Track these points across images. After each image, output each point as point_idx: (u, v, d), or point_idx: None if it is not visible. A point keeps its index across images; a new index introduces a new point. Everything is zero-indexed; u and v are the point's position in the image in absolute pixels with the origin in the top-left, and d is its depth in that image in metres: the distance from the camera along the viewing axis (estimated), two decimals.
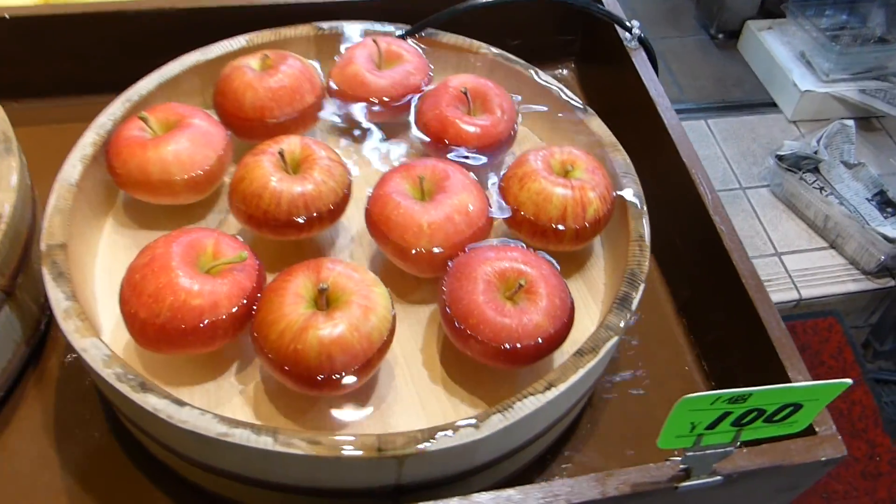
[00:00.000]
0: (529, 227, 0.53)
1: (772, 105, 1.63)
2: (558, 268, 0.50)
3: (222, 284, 0.46)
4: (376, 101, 0.60)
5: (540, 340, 0.46)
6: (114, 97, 0.60)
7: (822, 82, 1.56)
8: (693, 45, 1.70)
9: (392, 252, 0.51)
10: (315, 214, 0.51)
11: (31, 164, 0.58)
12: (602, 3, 0.70)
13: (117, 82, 0.64)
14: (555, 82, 0.63)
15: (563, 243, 0.53)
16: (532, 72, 0.63)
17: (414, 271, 0.53)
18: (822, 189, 1.43)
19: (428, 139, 0.58)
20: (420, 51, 0.64)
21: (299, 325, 0.44)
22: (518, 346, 0.46)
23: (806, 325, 1.35)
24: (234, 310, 0.45)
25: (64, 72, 0.69)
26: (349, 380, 0.44)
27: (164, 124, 0.55)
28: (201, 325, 0.45)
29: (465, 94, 0.58)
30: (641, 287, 0.50)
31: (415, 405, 0.49)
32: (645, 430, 0.54)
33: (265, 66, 0.59)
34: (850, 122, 1.48)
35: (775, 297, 1.35)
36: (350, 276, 0.46)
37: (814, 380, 0.42)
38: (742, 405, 0.40)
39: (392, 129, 0.64)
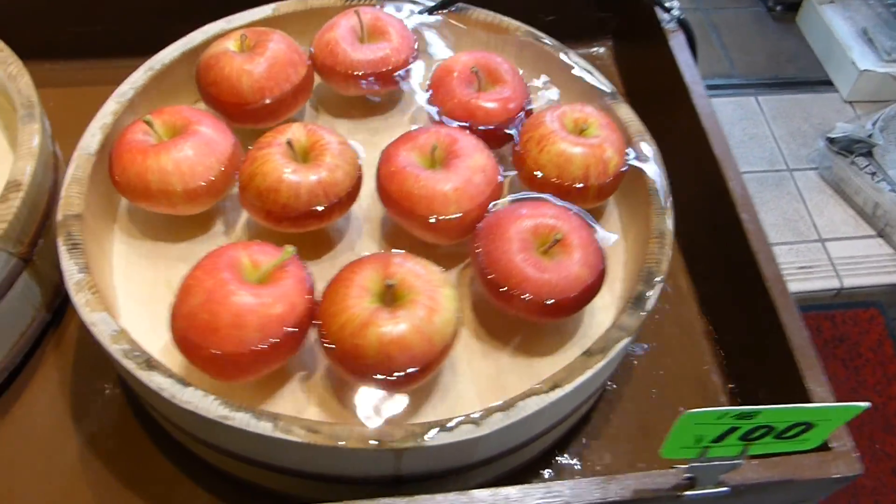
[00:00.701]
0: (553, 189, 0.53)
1: (827, 83, 1.56)
2: (586, 215, 0.51)
3: (284, 286, 0.44)
4: (349, 75, 0.58)
5: (581, 290, 0.47)
6: (142, 61, 0.60)
7: (882, 62, 1.49)
8: (748, 16, 1.64)
9: (419, 225, 0.51)
10: (335, 200, 0.50)
11: (58, 126, 0.59)
12: None
13: (146, 45, 0.63)
14: (584, 64, 0.61)
15: (588, 201, 0.54)
16: (562, 54, 0.61)
17: (441, 240, 0.53)
18: (873, 174, 1.38)
19: (457, 124, 0.57)
20: (407, 27, 0.61)
21: (361, 319, 0.43)
22: (561, 298, 0.47)
23: (846, 315, 1.31)
24: (302, 308, 0.45)
25: (93, 34, 0.69)
26: (406, 380, 0.44)
27: (170, 129, 0.52)
28: (287, 329, 0.44)
29: (477, 73, 0.57)
30: (658, 287, 0.49)
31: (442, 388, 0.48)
32: (658, 429, 0.53)
33: (247, 46, 0.56)
34: None
35: (815, 284, 1.31)
36: (418, 273, 0.45)
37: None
38: (750, 421, 0.39)
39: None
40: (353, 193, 0.51)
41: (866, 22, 1.54)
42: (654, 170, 0.54)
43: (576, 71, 0.60)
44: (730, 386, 0.56)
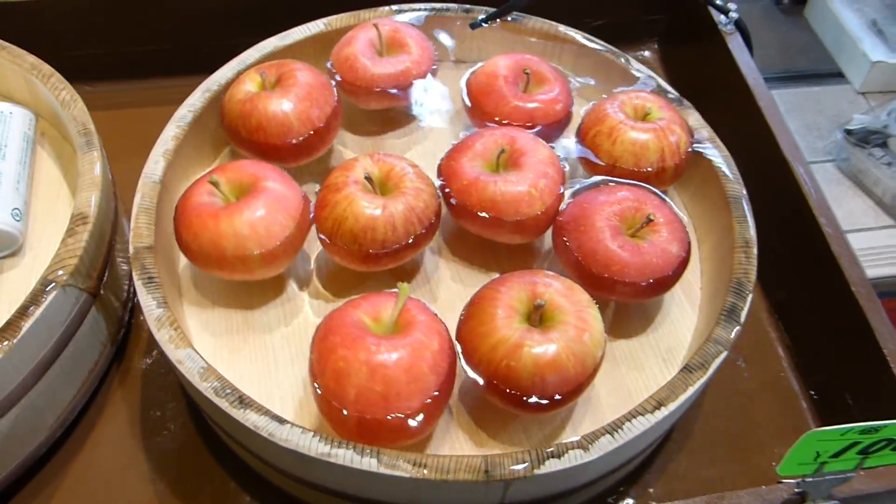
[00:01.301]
0: (631, 178, 0.53)
1: (839, 76, 1.56)
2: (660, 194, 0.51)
3: (422, 325, 0.42)
4: (367, 89, 0.57)
5: (676, 266, 0.48)
6: (187, 79, 0.58)
7: (894, 52, 1.49)
8: (757, 10, 1.63)
9: (508, 230, 0.51)
10: (428, 224, 0.49)
11: (106, 148, 0.57)
12: None
13: (191, 64, 0.62)
14: (647, 70, 0.60)
15: (665, 183, 0.55)
16: (623, 60, 0.60)
17: (529, 238, 0.53)
18: (890, 164, 1.38)
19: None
20: (427, 39, 0.60)
21: (513, 341, 0.42)
22: (659, 277, 0.48)
23: None
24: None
25: (137, 54, 0.67)
26: (559, 403, 0.43)
27: (236, 187, 0.48)
28: (449, 361, 0.43)
29: (527, 73, 0.56)
30: (749, 297, 0.48)
31: (508, 419, 0.47)
32: (739, 439, 0.52)
33: (269, 84, 0.54)
34: None
35: None
36: (566, 293, 0.44)
37: None
38: (873, 436, 0.38)
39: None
40: (439, 213, 0.50)
41: (875, 13, 1.54)
42: (731, 176, 0.53)
43: (639, 76, 0.59)
44: (810, 392, 0.55)
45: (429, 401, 0.41)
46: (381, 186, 0.49)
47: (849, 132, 1.39)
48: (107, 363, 0.53)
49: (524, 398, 0.42)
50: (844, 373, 0.52)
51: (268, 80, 0.54)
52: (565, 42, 0.62)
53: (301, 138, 0.53)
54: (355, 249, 0.48)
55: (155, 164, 0.51)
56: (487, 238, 0.52)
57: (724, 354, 0.45)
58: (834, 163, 1.44)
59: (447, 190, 0.51)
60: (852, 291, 0.50)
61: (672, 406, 0.43)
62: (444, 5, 0.63)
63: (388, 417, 0.40)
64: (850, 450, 0.39)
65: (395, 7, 0.62)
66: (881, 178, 1.36)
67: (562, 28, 0.62)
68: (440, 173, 0.52)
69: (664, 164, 0.53)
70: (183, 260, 0.53)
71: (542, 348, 0.41)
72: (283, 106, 0.52)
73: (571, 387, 0.42)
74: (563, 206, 0.51)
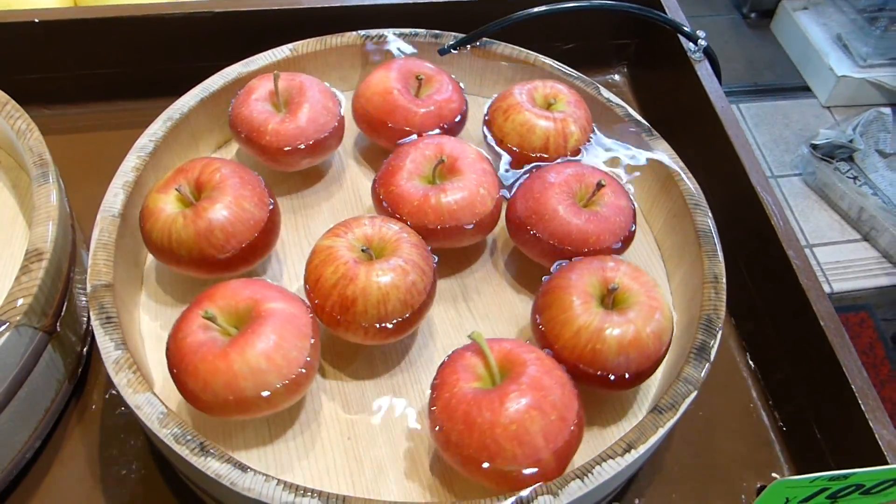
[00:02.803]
0: (514, 157, 0.55)
1: (805, 90, 1.58)
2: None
3: (531, 369, 0.42)
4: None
5: (633, 218, 0.51)
6: (149, 102, 0.57)
7: (859, 67, 1.51)
8: (724, 24, 1.65)
9: (470, 234, 0.51)
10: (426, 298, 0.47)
11: (64, 174, 0.55)
12: (664, 10, 0.66)
13: (151, 88, 0.61)
14: (616, 99, 0.59)
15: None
16: (593, 89, 0.60)
17: (484, 235, 0.53)
18: (855, 179, 1.40)
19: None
20: (329, 91, 0.57)
21: (595, 325, 0.44)
22: (626, 233, 0.51)
23: None
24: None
25: (96, 77, 0.65)
26: (640, 378, 0.46)
27: (234, 315, 0.43)
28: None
29: (420, 79, 0.57)
30: (719, 335, 0.48)
31: None
32: (710, 471, 0.52)
33: (193, 195, 0.49)
34: (888, 111, 1.44)
35: None
36: (633, 275, 0.46)
37: None
38: (842, 482, 0.38)
39: None
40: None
41: (841, 28, 1.56)
42: (701, 209, 0.53)
43: (607, 105, 0.59)
44: (779, 425, 0.55)
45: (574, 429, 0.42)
46: (378, 251, 0.47)
47: (815, 147, 1.41)
48: (64, 400, 0.51)
49: (610, 377, 0.44)
50: (813, 406, 0.53)
51: (187, 192, 0.48)
52: (535, 68, 0.61)
53: (244, 244, 0.48)
54: (372, 326, 0.46)
55: (114, 197, 0.50)
56: (447, 247, 0.52)
57: (695, 394, 0.45)
58: (800, 177, 1.45)
59: (398, 215, 0.50)
60: (821, 326, 0.51)
61: (642, 449, 0.42)
62: (413, 31, 0.62)
63: (529, 460, 0.40)
64: (819, 495, 0.39)
65: (362, 32, 0.61)
66: (847, 192, 1.38)
67: (532, 54, 0.62)
68: (384, 202, 0.51)
69: (548, 152, 0.55)
70: (143, 296, 0.52)
71: (624, 329, 0.44)
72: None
73: (652, 362, 0.45)
74: (505, 203, 0.53)
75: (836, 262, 1.36)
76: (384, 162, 0.53)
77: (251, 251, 0.49)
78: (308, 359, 0.43)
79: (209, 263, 0.48)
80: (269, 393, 0.42)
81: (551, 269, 0.49)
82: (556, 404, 0.40)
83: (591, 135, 0.57)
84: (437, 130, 0.56)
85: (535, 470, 0.40)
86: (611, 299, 0.45)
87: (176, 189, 0.48)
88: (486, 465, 0.39)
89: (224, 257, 0.48)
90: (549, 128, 0.55)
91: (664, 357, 0.46)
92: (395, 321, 0.45)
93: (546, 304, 0.46)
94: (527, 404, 0.39)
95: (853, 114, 1.48)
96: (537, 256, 0.52)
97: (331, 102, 0.55)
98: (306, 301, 0.46)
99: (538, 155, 0.55)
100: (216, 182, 0.48)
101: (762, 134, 1.52)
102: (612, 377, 0.44)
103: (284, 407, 0.44)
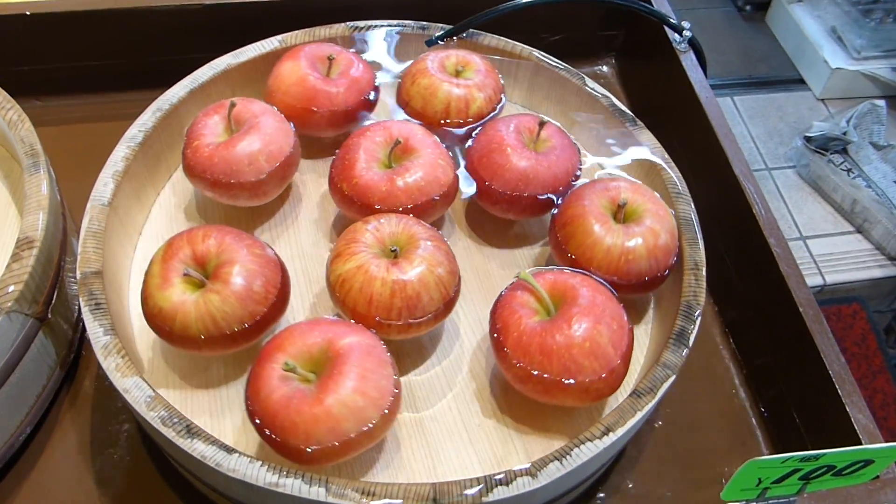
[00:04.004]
0: (419, 119, 0.57)
1: (800, 82, 1.58)
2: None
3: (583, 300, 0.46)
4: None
5: (579, 158, 0.55)
6: (140, 94, 0.57)
7: (853, 59, 1.52)
8: (719, 17, 1.65)
9: (440, 205, 0.52)
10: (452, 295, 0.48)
11: (56, 164, 0.56)
12: (651, 3, 0.67)
13: (141, 79, 0.62)
14: (601, 90, 0.60)
15: (446, 140, 0.56)
16: (578, 80, 0.60)
17: (451, 202, 0.54)
18: (849, 171, 1.40)
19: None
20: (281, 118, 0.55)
21: (621, 239, 0.48)
22: (577, 168, 0.54)
23: (829, 312, 1.33)
24: None
25: (87, 69, 0.66)
26: (668, 274, 0.51)
27: (308, 360, 0.42)
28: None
29: (332, 58, 0.57)
30: (698, 321, 0.48)
31: (463, 441, 0.47)
32: (691, 456, 0.53)
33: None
34: (882, 103, 1.44)
35: None
36: (633, 188, 0.51)
37: None
38: (813, 462, 0.39)
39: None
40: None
41: (835, 20, 1.56)
42: (683, 198, 0.54)
43: (592, 96, 0.60)
44: (760, 409, 0.56)
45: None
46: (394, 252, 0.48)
47: (808, 139, 1.41)
48: (56, 386, 0.52)
49: (645, 279, 0.49)
50: (792, 391, 0.53)
51: (195, 273, 0.45)
52: (521, 59, 0.62)
53: (276, 298, 0.47)
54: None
55: (104, 187, 0.51)
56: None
57: (673, 378, 0.46)
58: (794, 169, 1.46)
59: (367, 205, 0.51)
60: (800, 312, 0.51)
61: (620, 431, 0.43)
62: (401, 22, 0.62)
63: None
64: (791, 476, 0.40)
65: (350, 24, 0.62)
66: (840, 184, 1.38)
67: (518, 45, 0.62)
68: (349, 195, 0.51)
69: (449, 116, 0.56)
70: (133, 282, 0.53)
71: (647, 237, 0.49)
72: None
73: (674, 255, 0.50)
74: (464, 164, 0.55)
75: (830, 253, 1.37)
76: (334, 159, 0.53)
77: (283, 299, 0.48)
78: (395, 382, 0.43)
79: (257, 327, 0.46)
80: (369, 426, 0.41)
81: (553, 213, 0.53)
82: (613, 315, 0.45)
83: (499, 104, 0.58)
84: (368, 117, 0.58)
85: (610, 376, 0.44)
86: (622, 214, 0.49)
87: (184, 274, 0.45)
88: (570, 381, 0.43)
89: (264, 313, 0.46)
90: (451, 93, 0.56)
91: (678, 252, 0.51)
92: (433, 311, 0.47)
93: (569, 234, 0.50)
94: (592, 321, 0.44)
95: (847, 106, 1.48)
96: (503, 208, 0.54)
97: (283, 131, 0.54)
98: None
99: (439, 119, 0.56)
100: (217, 252, 0.45)
101: (756, 126, 1.52)
102: (647, 279, 0.49)
103: (382, 437, 0.44)
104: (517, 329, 0.44)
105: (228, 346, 0.46)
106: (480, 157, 0.53)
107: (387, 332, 0.46)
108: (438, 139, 0.54)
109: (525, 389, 0.45)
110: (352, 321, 0.46)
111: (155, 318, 0.45)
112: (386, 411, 0.42)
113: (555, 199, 0.53)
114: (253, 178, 0.51)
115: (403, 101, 0.58)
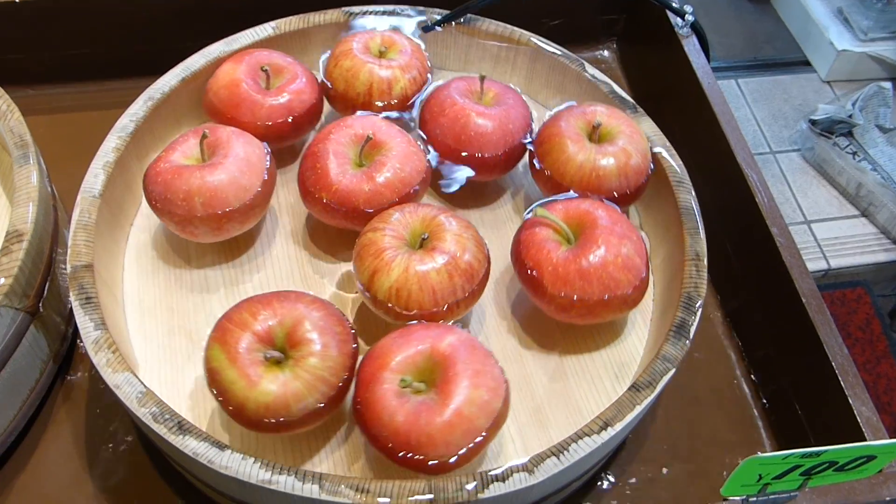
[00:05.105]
0: (341, 102, 0.56)
1: (805, 64, 1.56)
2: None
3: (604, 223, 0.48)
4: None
5: (528, 112, 0.56)
6: (129, 83, 0.56)
7: (859, 41, 1.49)
8: None
9: (420, 190, 0.52)
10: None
11: (47, 154, 0.55)
12: None
13: (133, 68, 0.61)
14: (602, 77, 0.59)
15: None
16: (578, 66, 0.59)
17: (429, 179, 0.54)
18: (854, 154, 1.38)
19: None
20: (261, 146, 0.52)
21: (593, 155, 0.51)
22: (527, 122, 0.55)
23: (834, 296, 1.33)
24: None
25: (78, 57, 0.65)
26: (640, 191, 0.53)
27: (416, 370, 0.42)
28: None
29: (266, 70, 0.54)
30: (699, 312, 0.48)
31: None
32: (692, 447, 0.53)
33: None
34: (888, 85, 1.42)
35: None
36: (608, 112, 0.53)
37: None
38: (815, 459, 0.38)
39: None
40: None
41: (841, 1, 1.54)
42: (684, 187, 0.53)
43: (592, 82, 0.58)
44: (762, 401, 0.55)
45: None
46: (416, 240, 0.47)
47: (813, 122, 1.39)
48: (49, 380, 0.51)
49: (615, 195, 0.51)
50: (795, 383, 0.53)
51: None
52: (520, 45, 0.61)
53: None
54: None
55: (95, 178, 0.50)
56: None
57: (673, 371, 0.45)
58: (799, 152, 1.44)
59: (352, 209, 0.49)
60: (803, 303, 0.50)
61: (619, 426, 0.42)
62: (397, 7, 0.61)
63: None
64: (792, 472, 0.39)
65: (345, 9, 0.60)
66: (845, 167, 1.37)
67: (517, 31, 0.61)
68: (330, 203, 0.49)
69: (371, 97, 0.55)
70: (126, 276, 0.52)
71: (617, 155, 0.51)
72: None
73: (645, 176, 0.52)
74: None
75: (835, 237, 1.36)
76: (301, 170, 0.51)
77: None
78: (499, 368, 0.43)
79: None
80: (496, 416, 0.41)
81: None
82: (629, 228, 0.48)
83: (424, 84, 0.57)
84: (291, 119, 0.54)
85: (641, 284, 0.47)
86: (597, 135, 0.52)
87: (266, 358, 0.42)
88: (607, 297, 0.46)
89: (354, 347, 0.44)
90: (374, 74, 0.55)
91: (651, 173, 0.53)
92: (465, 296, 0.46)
93: (546, 151, 0.52)
94: (617, 238, 0.47)
95: (853, 88, 1.46)
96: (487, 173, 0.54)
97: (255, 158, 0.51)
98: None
99: (362, 100, 0.55)
100: (280, 321, 0.42)
101: (761, 109, 1.50)
102: (617, 195, 0.51)
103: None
104: (551, 263, 0.46)
105: (344, 394, 0.43)
106: (437, 120, 0.53)
107: (456, 311, 0.47)
108: (394, 124, 0.53)
109: (567, 317, 0.48)
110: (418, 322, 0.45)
111: (264, 415, 0.41)
112: (504, 397, 0.42)
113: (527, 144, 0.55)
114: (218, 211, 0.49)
115: (325, 85, 0.57)
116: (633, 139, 0.52)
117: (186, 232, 0.50)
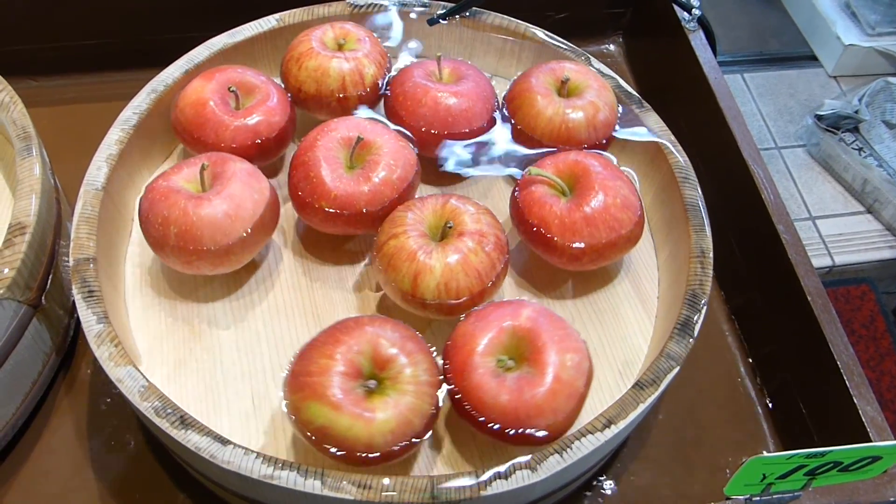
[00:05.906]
0: (314, 102, 0.55)
1: (812, 59, 1.55)
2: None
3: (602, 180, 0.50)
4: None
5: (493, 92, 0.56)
6: (133, 74, 0.56)
7: (867, 35, 1.48)
8: None
9: (413, 186, 0.51)
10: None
11: (50, 146, 0.55)
12: None
13: (137, 59, 0.60)
14: (607, 71, 0.58)
15: (348, 110, 0.55)
16: (583, 60, 0.59)
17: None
18: (860, 150, 1.38)
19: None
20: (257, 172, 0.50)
21: (562, 108, 0.53)
22: (492, 105, 0.56)
23: (838, 293, 1.32)
24: None
25: (81, 48, 0.65)
26: (608, 142, 0.55)
27: (511, 349, 0.43)
28: None
29: (234, 91, 0.53)
30: (704, 310, 0.47)
31: (462, 431, 0.47)
32: (695, 446, 0.52)
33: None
34: (895, 80, 1.41)
35: None
36: (578, 69, 0.55)
37: None
38: (819, 459, 0.38)
39: None
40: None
41: None
42: (689, 183, 0.53)
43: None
44: (766, 400, 0.55)
45: None
46: (437, 233, 0.48)
47: (819, 117, 1.38)
48: (52, 372, 0.51)
49: (585, 146, 0.53)
50: (799, 382, 0.52)
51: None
52: (525, 39, 0.60)
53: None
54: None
55: (98, 171, 0.50)
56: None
57: (677, 370, 0.45)
58: (805, 148, 1.43)
59: (355, 212, 0.49)
60: (808, 302, 0.50)
61: (622, 424, 0.42)
62: (402, 0, 0.61)
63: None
64: (796, 472, 0.39)
65: (349, 1, 0.60)
66: (851, 163, 1.36)
67: (522, 25, 0.61)
68: (330, 210, 0.48)
69: (346, 92, 0.54)
70: (128, 269, 0.52)
71: (586, 108, 0.53)
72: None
73: (612, 127, 0.54)
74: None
75: (840, 234, 1.35)
76: (292, 183, 0.49)
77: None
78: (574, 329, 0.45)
79: None
80: (588, 373, 0.43)
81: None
82: (616, 169, 0.50)
83: (386, 68, 0.56)
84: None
85: (640, 220, 0.49)
86: (565, 89, 0.54)
87: (366, 390, 0.41)
88: (614, 237, 0.48)
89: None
90: (344, 68, 0.54)
91: (617, 123, 0.55)
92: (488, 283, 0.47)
93: (516, 107, 0.54)
94: (612, 181, 0.49)
95: (860, 84, 1.45)
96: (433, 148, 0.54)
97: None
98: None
99: (336, 96, 0.54)
100: (371, 352, 0.42)
101: (767, 104, 1.50)
102: (587, 146, 0.53)
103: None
104: (556, 216, 0.48)
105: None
106: (406, 102, 0.53)
107: (498, 285, 0.48)
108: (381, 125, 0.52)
109: (579, 265, 0.50)
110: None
111: (392, 442, 0.40)
112: (588, 354, 0.43)
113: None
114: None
115: (294, 88, 0.54)
116: (601, 93, 0.54)
117: (159, 254, 0.48)
